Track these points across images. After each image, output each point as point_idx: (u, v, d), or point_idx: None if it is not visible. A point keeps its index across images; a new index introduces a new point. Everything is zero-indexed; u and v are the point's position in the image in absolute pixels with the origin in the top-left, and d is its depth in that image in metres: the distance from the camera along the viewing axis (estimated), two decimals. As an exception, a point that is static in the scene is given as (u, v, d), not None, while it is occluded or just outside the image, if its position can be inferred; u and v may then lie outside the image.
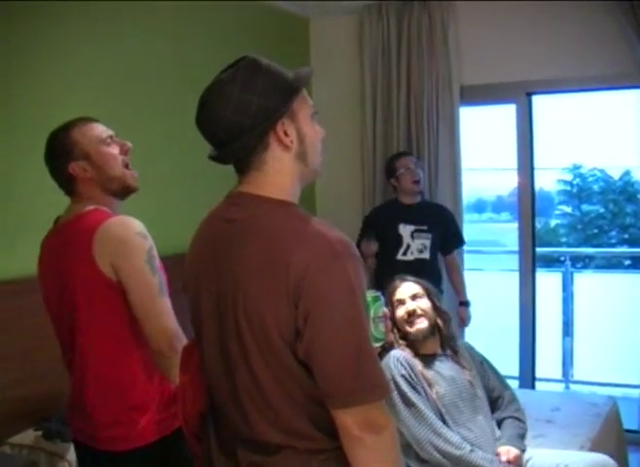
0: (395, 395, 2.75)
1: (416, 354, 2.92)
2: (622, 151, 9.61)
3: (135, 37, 3.91)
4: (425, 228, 4.52)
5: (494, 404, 3.03)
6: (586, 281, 7.06)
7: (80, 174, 2.17)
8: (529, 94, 4.94)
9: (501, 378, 3.14)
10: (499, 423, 2.96)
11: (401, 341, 2.95)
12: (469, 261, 5.22)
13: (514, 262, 5.13)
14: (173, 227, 3.44)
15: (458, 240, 4.74)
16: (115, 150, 2.22)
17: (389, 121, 5.19)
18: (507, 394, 3.06)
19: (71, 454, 2.75)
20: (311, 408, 1.53)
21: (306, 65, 5.20)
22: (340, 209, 5.30)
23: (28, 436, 3.01)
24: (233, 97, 1.53)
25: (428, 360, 2.93)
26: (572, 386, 6.17)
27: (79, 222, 2.13)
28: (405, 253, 4.51)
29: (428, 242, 4.52)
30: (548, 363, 6.00)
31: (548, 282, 6.49)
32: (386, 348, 2.81)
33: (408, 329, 2.96)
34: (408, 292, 3.05)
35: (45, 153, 2.22)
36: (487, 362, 3.15)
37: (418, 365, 2.87)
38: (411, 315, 2.96)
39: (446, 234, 4.64)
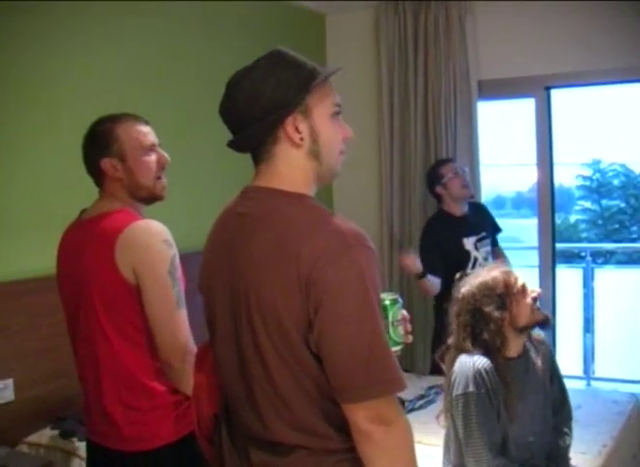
0: (459, 410, 2.41)
1: (499, 359, 2.45)
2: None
3: (153, 35, 3.93)
4: (484, 234, 4.33)
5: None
6: (606, 277, 7.00)
7: (110, 172, 2.14)
8: (548, 88, 4.88)
9: (565, 393, 2.72)
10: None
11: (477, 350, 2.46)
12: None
13: (534, 258, 5.08)
14: (190, 224, 3.43)
15: (498, 230, 4.59)
16: (153, 159, 2.18)
17: (406, 117, 5.15)
18: (567, 408, 2.68)
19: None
20: (326, 405, 1.51)
21: (323, 62, 5.23)
22: (358, 207, 5.27)
23: (45, 435, 3.02)
24: (247, 88, 1.53)
25: (512, 368, 2.48)
26: (593, 383, 6.11)
27: (104, 220, 2.11)
28: (474, 266, 4.25)
29: (489, 248, 4.36)
30: (568, 360, 5.94)
31: (568, 278, 6.44)
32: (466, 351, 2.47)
33: (538, 317, 2.49)
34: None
35: (84, 137, 2.18)
36: (558, 368, 2.76)
37: (501, 379, 2.42)
38: (539, 298, 2.52)
39: (494, 230, 4.53)
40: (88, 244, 2.11)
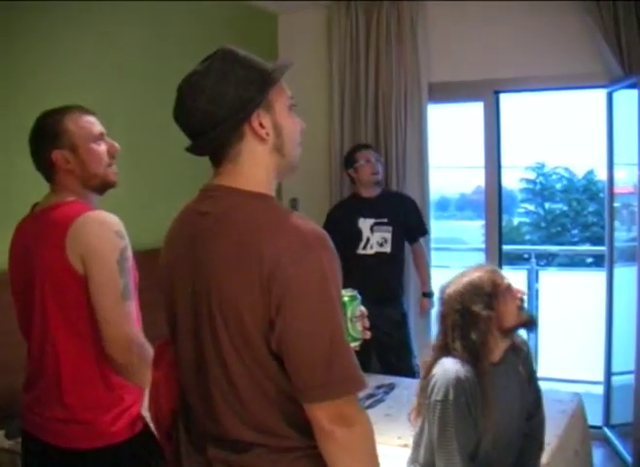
0: (436, 416, 2.36)
1: (483, 363, 2.41)
2: (587, 150, 9.73)
3: (115, 33, 3.94)
4: (385, 220, 4.52)
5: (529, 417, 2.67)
6: (550, 279, 7.13)
7: (61, 164, 2.11)
8: (497, 92, 4.97)
9: (540, 399, 2.71)
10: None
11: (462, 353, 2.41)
12: (435, 258, 5.23)
13: (477, 259, 5.14)
14: (149, 221, 3.41)
15: (421, 229, 4.73)
16: (103, 148, 2.17)
17: (357, 117, 5.18)
18: (541, 412, 2.70)
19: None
20: (284, 405, 1.51)
21: (275, 61, 5.21)
22: (307, 204, 5.29)
23: (-10, 435, 2.96)
24: (208, 88, 1.52)
25: (494, 374, 2.43)
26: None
27: (56, 211, 2.08)
28: (365, 247, 4.51)
29: (389, 235, 4.51)
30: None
31: (513, 279, 6.52)
32: (440, 356, 2.46)
33: (523, 318, 2.46)
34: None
35: (31, 132, 2.15)
36: (535, 372, 2.73)
37: (480, 387, 2.37)
38: (524, 300, 2.48)
39: (409, 224, 4.64)
40: (39, 236, 2.08)
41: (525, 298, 2.54)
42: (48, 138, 2.11)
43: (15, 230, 2.23)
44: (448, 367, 2.40)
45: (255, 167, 1.58)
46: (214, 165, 1.63)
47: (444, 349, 2.48)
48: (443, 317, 2.52)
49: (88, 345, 2.06)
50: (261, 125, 1.56)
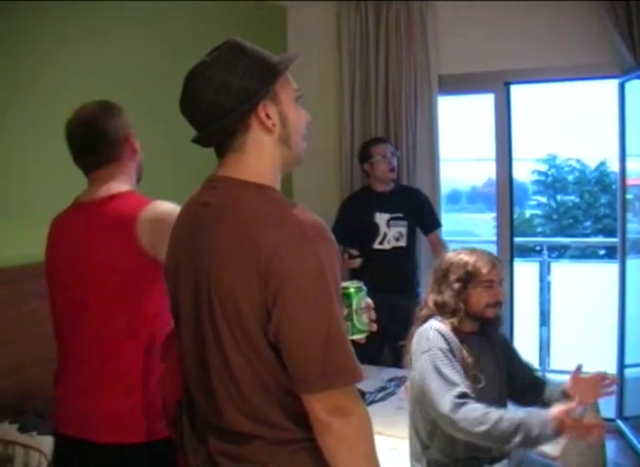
0: (426, 365, 2.48)
1: (456, 330, 2.57)
2: (599, 141, 9.67)
3: (121, 27, 3.94)
4: (401, 215, 4.53)
5: (532, 384, 2.79)
6: (562, 271, 7.09)
7: (130, 153, 2.18)
8: (508, 84, 4.94)
9: (532, 371, 2.89)
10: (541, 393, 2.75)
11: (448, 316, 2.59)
12: (446, 251, 5.21)
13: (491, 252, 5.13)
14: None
15: (435, 223, 4.73)
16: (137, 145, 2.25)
17: (367, 110, 5.17)
18: (538, 375, 2.87)
19: (47, 448, 2.71)
20: (283, 397, 1.51)
21: (285, 53, 5.21)
22: (318, 198, 5.27)
23: (4, 429, 2.96)
24: (215, 79, 1.52)
25: (468, 340, 2.59)
26: (548, 375, 6.20)
27: (116, 202, 2.08)
28: (381, 242, 4.51)
29: (404, 230, 4.52)
30: (524, 352, 5.98)
31: (524, 272, 6.51)
32: (426, 319, 2.62)
33: (487, 314, 2.61)
34: (500, 276, 2.68)
35: (102, 108, 2.17)
36: (509, 342, 2.90)
37: (460, 345, 2.53)
38: (499, 304, 2.63)
39: (423, 217, 4.64)
40: (98, 226, 2.07)
41: (502, 302, 2.66)
42: (123, 128, 2.18)
43: (54, 224, 2.21)
44: (423, 326, 2.59)
45: (260, 159, 1.58)
46: (219, 156, 1.63)
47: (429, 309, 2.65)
48: (433, 270, 2.73)
49: (141, 343, 2.05)
50: (267, 115, 1.56)
